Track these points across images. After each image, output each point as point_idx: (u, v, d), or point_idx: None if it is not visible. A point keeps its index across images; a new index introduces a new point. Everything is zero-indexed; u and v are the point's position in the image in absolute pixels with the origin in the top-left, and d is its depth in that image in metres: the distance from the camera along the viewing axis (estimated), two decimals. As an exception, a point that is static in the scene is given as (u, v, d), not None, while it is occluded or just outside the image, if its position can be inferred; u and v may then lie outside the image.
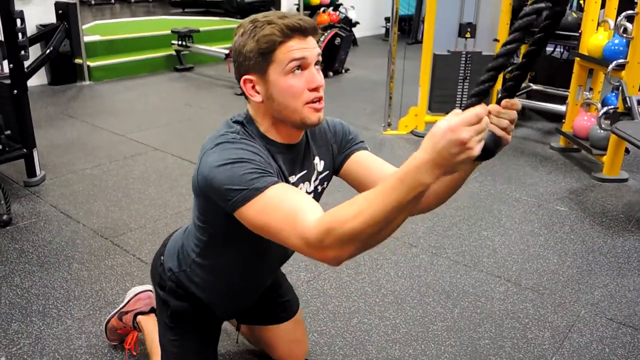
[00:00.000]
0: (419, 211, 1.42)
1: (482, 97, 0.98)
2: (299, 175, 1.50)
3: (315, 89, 1.34)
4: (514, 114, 1.08)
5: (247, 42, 1.32)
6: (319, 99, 1.36)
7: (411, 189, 1.01)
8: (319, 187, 1.59)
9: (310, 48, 1.32)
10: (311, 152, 1.53)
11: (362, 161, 1.56)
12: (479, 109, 0.96)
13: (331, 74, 7.01)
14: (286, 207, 1.21)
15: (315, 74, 1.34)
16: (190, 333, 1.73)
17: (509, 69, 5.27)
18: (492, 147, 1.06)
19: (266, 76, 1.33)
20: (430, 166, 0.98)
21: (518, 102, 1.08)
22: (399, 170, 1.03)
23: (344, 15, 8.96)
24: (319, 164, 1.56)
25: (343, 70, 7.31)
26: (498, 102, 1.06)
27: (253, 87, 1.37)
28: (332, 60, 7.02)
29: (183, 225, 2.97)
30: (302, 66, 1.32)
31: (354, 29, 8.90)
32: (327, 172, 1.59)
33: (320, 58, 1.36)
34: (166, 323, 1.73)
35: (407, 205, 1.03)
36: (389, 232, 1.11)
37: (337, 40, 6.87)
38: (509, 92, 1.06)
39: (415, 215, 1.40)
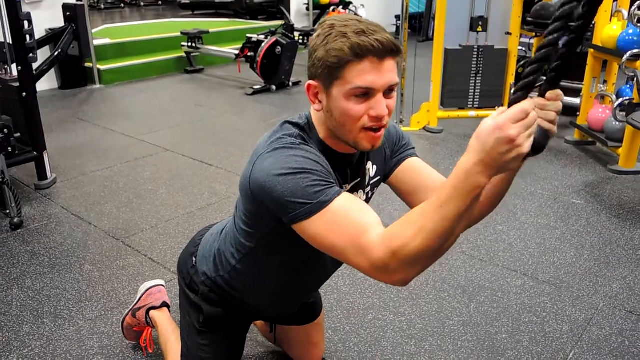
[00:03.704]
0: (473, 221, 1.35)
1: (528, 90, 0.95)
2: (352, 184, 1.44)
3: (376, 118, 1.24)
4: (559, 105, 1.04)
5: (318, 48, 1.23)
6: (380, 127, 1.26)
7: (467, 194, 0.98)
8: (370, 193, 1.52)
9: (382, 74, 1.20)
10: (364, 157, 1.45)
11: (414, 168, 1.50)
12: (526, 104, 0.92)
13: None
14: (352, 225, 1.13)
15: (381, 104, 1.22)
16: (221, 338, 1.68)
17: (522, 62, 5.22)
18: (542, 141, 1.01)
19: (330, 90, 1.24)
20: (480, 167, 0.95)
21: (561, 92, 1.04)
22: (449, 179, 1.00)
23: (353, 14, 8.92)
24: (372, 169, 1.48)
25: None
26: (542, 95, 1.02)
27: (316, 94, 1.29)
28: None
29: (196, 225, 3.00)
30: (367, 93, 1.21)
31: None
32: (379, 177, 1.52)
33: (395, 83, 1.24)
34: (196, 327, 1.67)
35: (466, 211, 1.00)
36: (452, 242, 1.07)
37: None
38: (552, 83, 1.02)
39: (471, 226, 1.34)
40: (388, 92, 1.24)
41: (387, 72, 1.21)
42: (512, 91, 0.98)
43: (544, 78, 1.06)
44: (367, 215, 1.16)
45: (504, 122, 0.92)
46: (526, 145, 0.93)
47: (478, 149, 0.95)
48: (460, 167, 0.98)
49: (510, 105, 0.94)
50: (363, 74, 1.19)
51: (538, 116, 0.99)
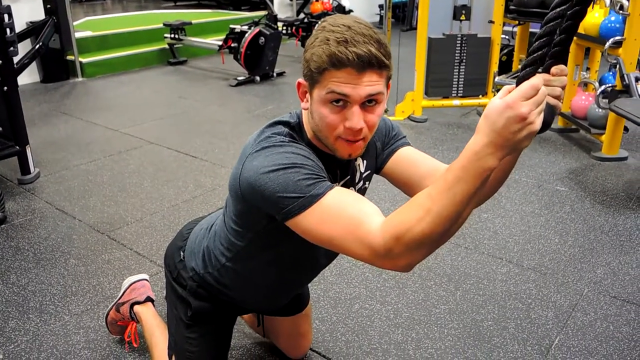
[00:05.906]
0: (478, 203, 1.31)
1: (537, 66, 0.94)
2: (342, 182, 1.42)
3: (350, 130, 1.21)
4: (565, 80, 1.01)
5: (307, 49, 1.22)
6: (356, 140, 1.24)
7: (476, 177, 0.95)
8: (362, 188, 1.51)
9: (359, 86, 1.17)
10: None
11: (407, 157, 1.47)
12: (535, 80, 0.91)
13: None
14: (347, 215, 1.11)
15: (356, 116, 1.19)
16: (209, 331, 1.67)
17: (505, 51, 5.22)
18: (548, 117, 0.99)
19: (312, 92, 1.24)
20: (491, 149, 0.93)
21: (566, 67, 1.01)
22: (458, 160, 0.97)
23: (337, 3, 8.90)
24: (362, 164, 1.47)
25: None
26: (546, 70, 0.99)
27: (305, 93, 1.28)
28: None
29: (181, 218, 2.99)
30: (342, 101, 1.19)
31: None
32: (369, 171, 1.50)
33: (375, 94, 1.20)
34: (183, 320, 1.66)
35: (474, 194, 0.98)
36: (459, 226, 1.05)
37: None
38: (557, 58, 0.99)
39: (477, 206, 1.27)
40: (368, 105, 1.21)
41: (366, 85, 1.18)
42: (520, 67, 0.96)
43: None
44: (363, 205, 1.14)
45: (514, 100, 0.90)
46: (538, 123, 0.91)
47: (488, 129, 0.93)
48: (469, 148, 0.96)
49: (519, 82, 0.92)
50: (339, 82, 1.17)
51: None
